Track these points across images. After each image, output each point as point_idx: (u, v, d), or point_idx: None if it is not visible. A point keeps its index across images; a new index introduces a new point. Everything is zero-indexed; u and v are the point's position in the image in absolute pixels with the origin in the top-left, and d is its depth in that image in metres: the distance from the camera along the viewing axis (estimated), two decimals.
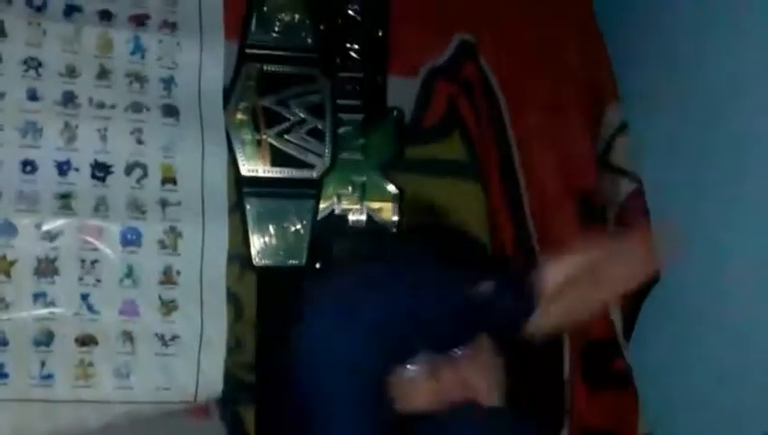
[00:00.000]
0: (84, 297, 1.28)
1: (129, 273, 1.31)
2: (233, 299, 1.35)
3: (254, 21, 1.45)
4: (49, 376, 1.25)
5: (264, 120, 1.42)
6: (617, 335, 1.57)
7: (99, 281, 1.29)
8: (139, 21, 1.39)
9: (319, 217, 1.42)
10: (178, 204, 1.35)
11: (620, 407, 1.55)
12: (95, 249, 1.29)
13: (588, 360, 1.55)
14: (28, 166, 1.29)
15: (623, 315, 1.60)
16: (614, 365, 1.55)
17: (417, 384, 1.02)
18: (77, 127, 1.32)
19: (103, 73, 1.36)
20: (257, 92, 1.43)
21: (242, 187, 1.39)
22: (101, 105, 1.34)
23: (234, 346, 1.34)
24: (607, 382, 1.55)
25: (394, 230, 1.45)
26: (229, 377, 1.32)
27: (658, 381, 1.57)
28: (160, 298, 1.31)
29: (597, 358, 1.55)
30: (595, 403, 1.53)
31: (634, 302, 1.61)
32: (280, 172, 1.41)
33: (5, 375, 1.24)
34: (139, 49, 1.38)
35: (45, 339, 1.26)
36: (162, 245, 1.32)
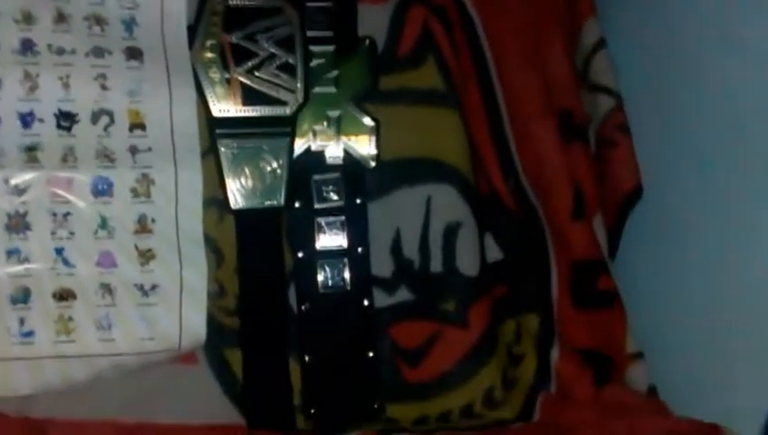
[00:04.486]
0: (59, 251, 1.25)
1: (104, 224, 1.27)
2: (212, 244, 1.33)
3: None
4: (29, 333, 1.23)
5: (232, 57, 1.37)
6: (602, 254, 1.56)
7: (72, 234, 1.26)
8: None
9: (295, 156, 1.38)
10: (149, 150, 1.31)
11: (609, 326, 1.54)
12: (66, 202, 1.26)
13: (575, 280, 1.54)
14: None
15: (608, 234, 1.60)
16: (601, 284, 1.55)
17: None
18: (38, 76, 1.27)
19: (61, 18, 1.30)
20: (224, 28, 1.38)
21: (214, 128, 1.35)
22: (61, 51, 1.29)
23: (216, 292, 1.32)
24: (594, 302, 1.55)
25: (372, 164, 1.42)
26: (213, 323, 1.30)
27: (647, 300, 1.58)
28: (137, 248, 1.28)
29: (584, 278, 1.54)
30: (583, 323, 1.53)
31: (618, 219, 1.61)
32: (252, 111, 1.37)
33: None
34: None
35: (22, 296, 1.23)
36: (134, 193, 1.29)
